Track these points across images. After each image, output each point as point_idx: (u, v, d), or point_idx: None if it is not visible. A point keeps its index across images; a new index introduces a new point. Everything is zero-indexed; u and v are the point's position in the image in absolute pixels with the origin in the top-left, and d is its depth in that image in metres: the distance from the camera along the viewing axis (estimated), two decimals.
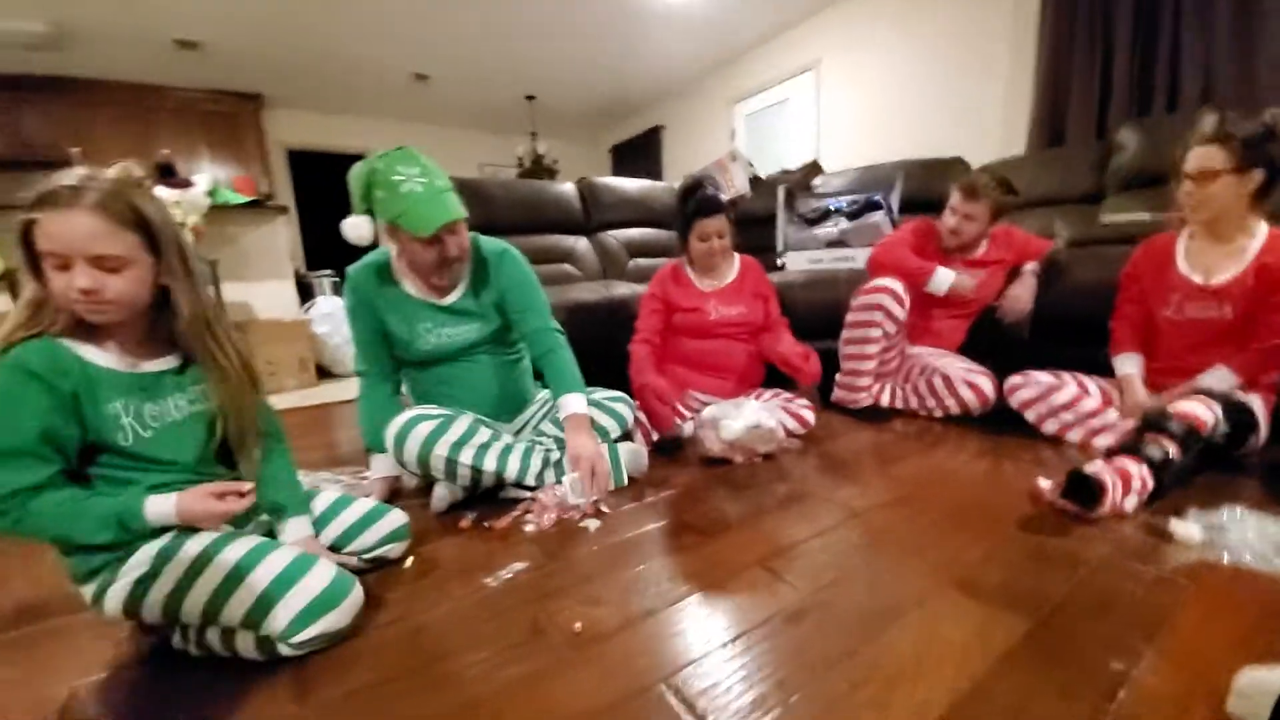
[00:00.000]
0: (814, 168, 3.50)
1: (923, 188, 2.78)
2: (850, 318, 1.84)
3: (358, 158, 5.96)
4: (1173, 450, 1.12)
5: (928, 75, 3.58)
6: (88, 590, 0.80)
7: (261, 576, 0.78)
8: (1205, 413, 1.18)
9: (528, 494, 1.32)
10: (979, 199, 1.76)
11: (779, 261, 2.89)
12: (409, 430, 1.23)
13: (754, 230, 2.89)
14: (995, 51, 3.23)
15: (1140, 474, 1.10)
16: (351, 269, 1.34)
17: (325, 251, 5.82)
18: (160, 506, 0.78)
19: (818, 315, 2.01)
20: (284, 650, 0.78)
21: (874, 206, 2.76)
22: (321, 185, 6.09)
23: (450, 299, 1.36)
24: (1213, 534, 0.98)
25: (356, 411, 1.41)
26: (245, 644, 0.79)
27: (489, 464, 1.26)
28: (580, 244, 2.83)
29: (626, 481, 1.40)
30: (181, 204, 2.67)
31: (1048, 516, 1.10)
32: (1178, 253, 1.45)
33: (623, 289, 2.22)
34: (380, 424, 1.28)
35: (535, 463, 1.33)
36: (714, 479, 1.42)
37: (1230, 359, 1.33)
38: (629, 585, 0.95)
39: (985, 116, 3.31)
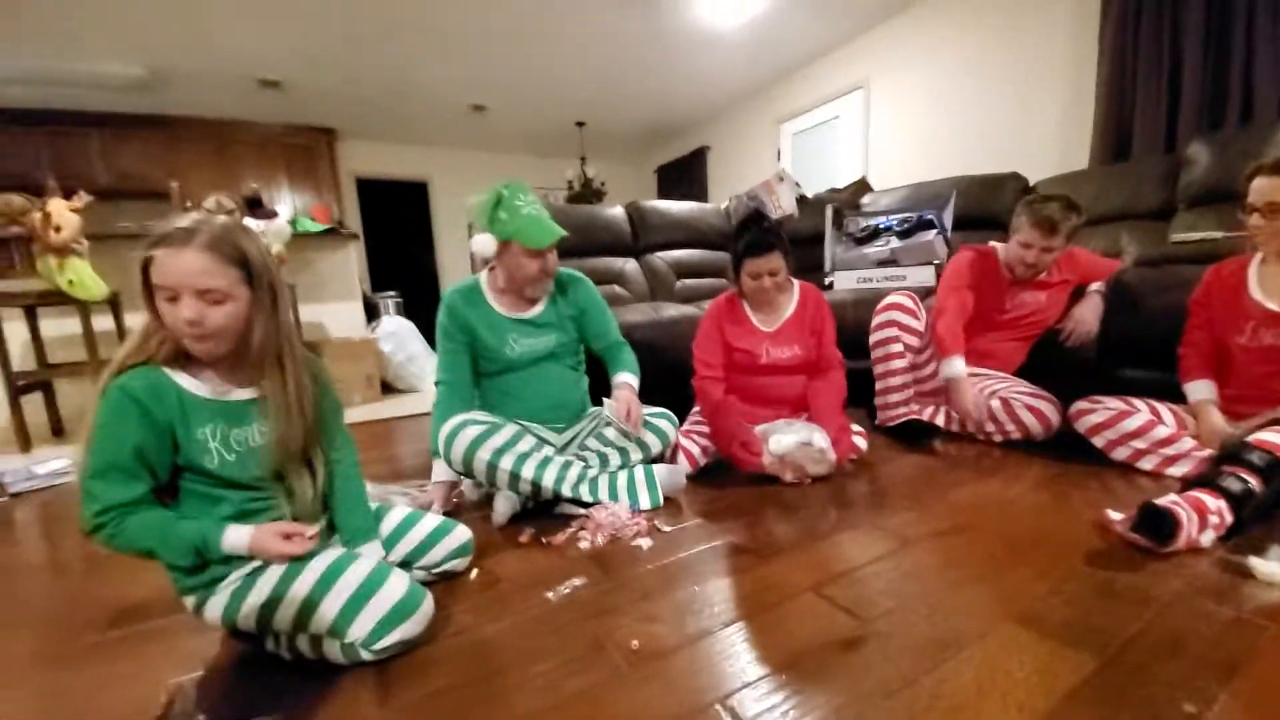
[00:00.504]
0: (863, 186, 3.48)
1: (977, 205, 2.73)
2: (871, 340, 1.92)
3: (420, 185, 6.39)
4: (1254, 483, 1.07)
5: (981, 89, 3.51)
6: (189, 601, 0.89)
7: (343, 589, 0.85)
8: None
9: (582, 511, 1.38)
10: (1058, 233, 1.70)
11: (826, 281, 2.88)
12: (458, 432, 1.34)
13: (801, 250, 2.88)
14: (1052, 62, 3.14)
15: (1218, 508, 1.05)
16: (448, 291, 1.54)
17: (389, 274, 6.19)
18: (236, 540, 0.85)
19: (867, 334, 2.00)
20: (365, 655, 0.85)
21: (926, 225, 2.72)
22: (385, 211, 6.49)
23: (532, 313, 1.55)
24: None
25: (430, 420, 1.51)
26: (331, 650, 0.86)
27: (527, 471, 1.35)
28: (629, 266, 2.91)
29: (662, 502, 1.43)
30: (268, 233, 2.91)
31: (1117, 550, 1.06)
32: (1250, 278, 1.38)
33: (671, 310, 2.27)
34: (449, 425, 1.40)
35: (571, 475, 1.40)
36: (765, 501, 1.44)
37: None
38: (684, 605, 0.98)
39: (1042, 130, 3.21)
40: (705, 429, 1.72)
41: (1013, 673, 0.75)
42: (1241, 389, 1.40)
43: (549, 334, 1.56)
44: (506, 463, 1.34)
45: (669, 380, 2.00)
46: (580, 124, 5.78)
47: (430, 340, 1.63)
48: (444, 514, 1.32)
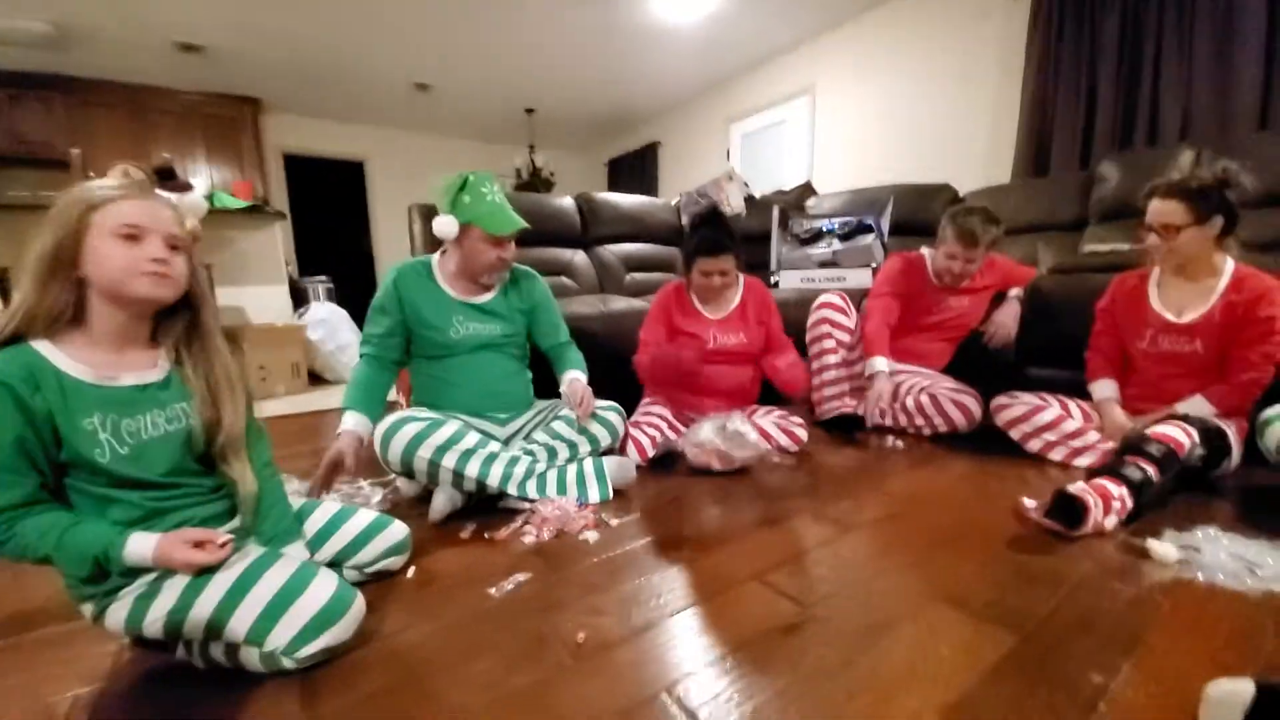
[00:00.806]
0: (808, 189, 3.59)
1: (912, 212, 2.87)
2: (807, 337, 2.02)
3: (355, 164, 6.05)
4: (1151, 471, 1.18)
5: (918, 103, 3.69)
6: (86, 609, 0.79)
7: (263, 593, 0.78)
8: (1182, 436, 1.24)
9: (526, 505, 1.34)
10: (979, 245, 1.81)
11: (772, 279, 2.95)
12: (395, 430, 1.28)
13: (748, 248, 2.95)
14: (983, 82, 3.34)
15: (1120, 494, 1.14)
16: (400, 265, 1.51)
17: (319, 257, 5.84)
18: (140, 549, 0.75)
19: (806, 332, 2.06)
20: (287, 664, 0.78)
21: (865, 229, 2.84)
22: (317, 191, 6.11)
23: (482, 299, 1.53)
24: (1188, 554, 1.03)
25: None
26: (249, 658, 0.79)
27: (471, 470, 1.30)
28: (578, 257, 2.87)
29: (611, 494, 1.42)
30: (181, 207, 2.67)
31: (1033, 535, 1.14)
32: (1150, 289, 1.52)
33: (620, 303, 2.26)
34: (365, 387, 1.41)
35: (518, 471, 1.36)
36: (711, 493, 1.45)
37: (1207, 390, 1.39)
38: (630, 597, 0.97)
39: (972, 145, 3.42)
40: (655, 420, 1.73)
41: (940, 651, 0.79)
42: (1141, 389, 1.54)
43: (496, 322, 1.53)
44: (449, 461, 1.28)
45: (617, 373, 1.99)
46: (530, 111, 5.65)
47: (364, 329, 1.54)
48: (382, 511, 1.25)
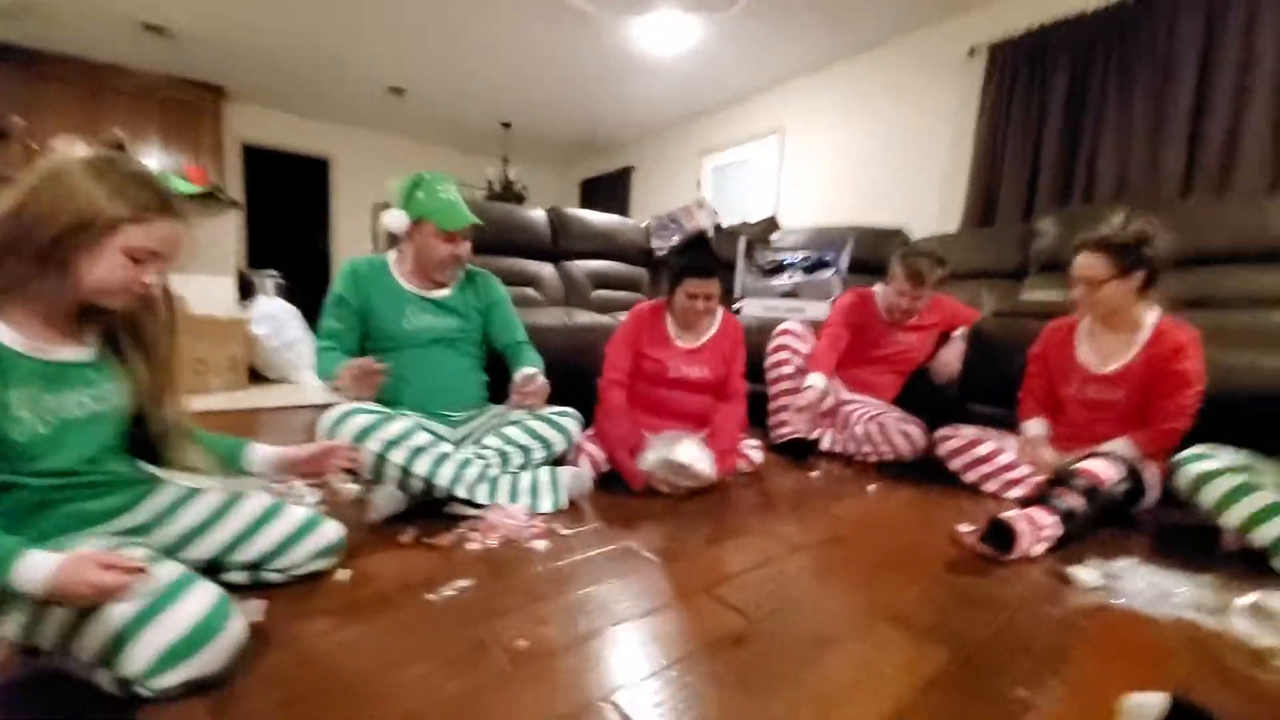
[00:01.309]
0: (772, 223, 3.71)
1: (869, 252, 3.01)
2: (766, 363, 2.06)
3: (320, 161, 5.90)
4: (1078, 503, 1.24)
5: (879, 151, 3.90)
6: None
7: (123, 607, 0.66)
8: (1107, 471, 1.32)
9: (472, 511, 1.30)
10: (925, 284, 1.90)
11: (735, 307, 3.01)
12: (343, 421, 1.22)
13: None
14: (939, 135, 3.56)
15: (1050, 523, 1.20)
16: (354, 259, 1.53)
17: (272, 252, 5.61)
18: (35, 574, 0.62)
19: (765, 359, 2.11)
20: (143, 693, 0.66)
21: (825, 265, 2.95)
22: (276, 185, 5.91)
23: (438, 294, 1.54)
24: (1109, 581, 1.09)
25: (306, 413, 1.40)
26: (102, 679, 0.67)
27: (420, 467, 1.25)
28: (546, 270, 2.87)
29: (566, 504, 1.40)
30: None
31: (970, 560, 1.18)
32: (1078, 339, 1.62)
33: (584, 318, 2.27)
34: (338, 359, 1.39)
35: (470, 474, 1.31)
36: (664, 508, 1.45)
37: (1132, 434, 1.47)
38: (576, 606, 0.95)
39: (926, 193, 3.63)
40: None
41: (881, 667, 0.81)
42: (1070, 430, 1.63)
43: (451, 317, 1.54)
44: (398, 456, 1.23)
45: (578, 388, 1.98)
46: (506, 125, 5.66)
47: (315, 328, 1.53)
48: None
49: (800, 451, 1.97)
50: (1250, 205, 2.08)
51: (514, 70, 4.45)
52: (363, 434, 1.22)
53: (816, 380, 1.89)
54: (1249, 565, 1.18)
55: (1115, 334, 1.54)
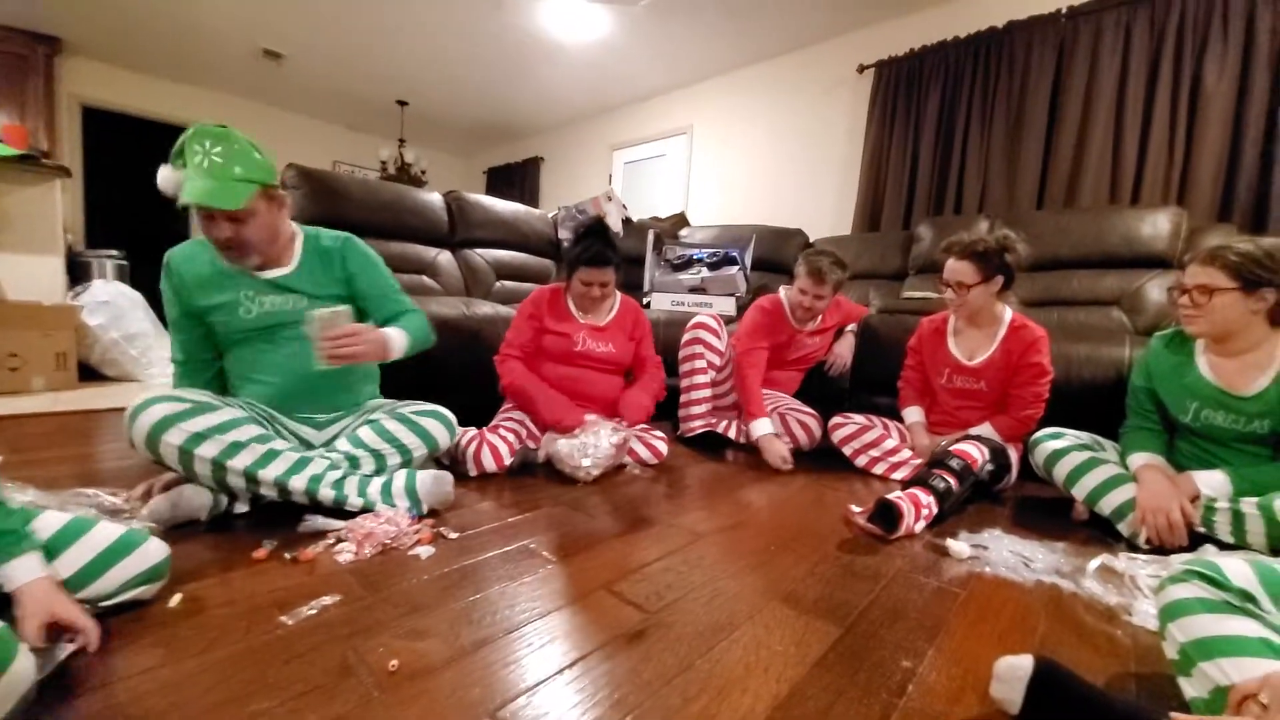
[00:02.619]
0: (682, 219, 3.76)
1: (771, 251, 3.13)
2: (679, 356, 2.05)
3: (177, 129, 5.15)
4: (952, 482, 1.34)
5: (782, 155, 4.07)
6: None
7: None
8: (976, 453, 1.44)
9: (340, 524, 1.13)
10: (826, 282, 1.94)
11: (645, 300, 3.00)
12: (139, 414, 1.05)
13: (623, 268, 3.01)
14: (834, 144, 3.78)
15: (928, 502, 1.29)
16: (173, 250, 1.26)
17: (116, 230, 4.86)
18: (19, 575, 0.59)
19: (676, 352, 2.11)
20: None
21: (731, 261, 3.03)
22: (123, 154, 5.13)
23: (275, 273, 1.28)
24: (978, 551, 1.17)
25: None
26: None
27: (238, 464, 1.08)
28: (443, 257, 2.69)
29: (425, 512, 1.23)
30: None
31: (859, 538, 1.23)
32: (948, 334, 1.77)
33: (485, 308, 2.14)
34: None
35: (306, 471, 1.15)
36: (566, 504, 1.38)
37: (994, 420, 1.65)
38: (461, 615, 0.86)
39: (823, 197, 3.84)
40: (514, 426, 1.65)
41: (774, 647, 0.80)
42: (941, 417, 1.80)
43: (300, 298, 1.28)
44: (208, 451, 1.06)
45: (475, 380, 1.86)
46: (403, 103, 5.29)
47: (163, 316, 1.29)
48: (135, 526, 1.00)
49: (713, 444, 1.99)
50: (1092, 218, 2.38)
51: (410, 43, 4.14)
52: (160, 426, 1.04)
53: (764, 426, 1.85)
54: (1097, 532, 1.33)
55: (979, 330, 1.70)
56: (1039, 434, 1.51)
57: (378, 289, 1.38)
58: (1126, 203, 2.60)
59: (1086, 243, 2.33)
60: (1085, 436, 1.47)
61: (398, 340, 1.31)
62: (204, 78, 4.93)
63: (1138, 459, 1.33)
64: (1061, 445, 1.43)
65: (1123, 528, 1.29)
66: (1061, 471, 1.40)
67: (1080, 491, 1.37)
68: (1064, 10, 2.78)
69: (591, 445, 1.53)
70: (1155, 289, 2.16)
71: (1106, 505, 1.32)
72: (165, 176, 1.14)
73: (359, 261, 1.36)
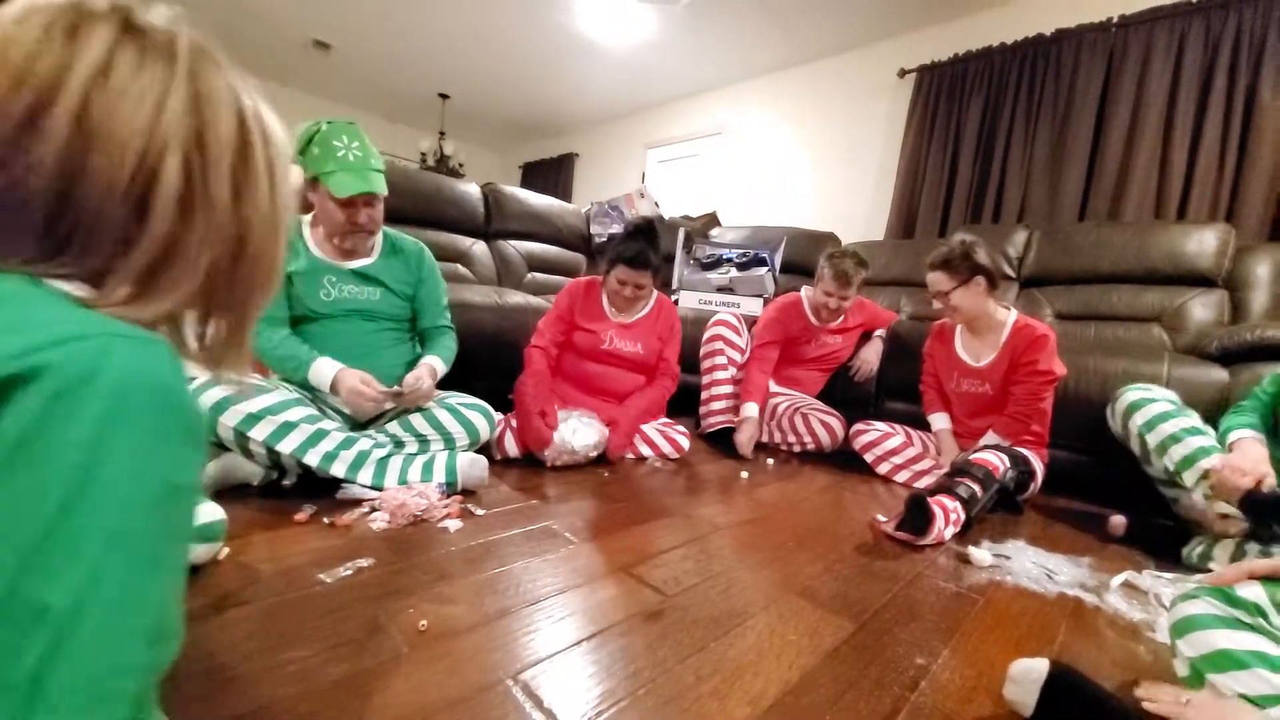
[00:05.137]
0: (713, 219, 3.76)
1: (801, 254, 3.11)
2: (701, 353, 2.07)
3: None
4: (977, 490, 1.33)
5: (816, 158, 4.05)
6: None
7: None
8: (997, 461, 1.42)
9: (374, 494, 1.19)
10: (850, 285, 1.97)
11: (673, 298, 3.02)
12: (201, 392, 1.11)
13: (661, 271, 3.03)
14: (870, 149, 3.74)
15: (955, 508, 1.28)
16: None
17: None
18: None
19: (698, 349, 2.13)
20: None
21: (760, 262, 3.02)
22: None
23: (356, 264, 1.40)
24: (1000, 560, 1.17)
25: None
26: None
27: (287, 445, 1.14)
28: (478, 247, 2.75)
29: (460, 489, 1.29)
30: None
31: (879, 541, 1.24)
32: (957, 338, 1.76)
33: (516, 298, 2.18)
34: (287, 342, 1.30)
35: (348, 455, 1.20)
36: (588, 491, 1.41)
37: (994, 424, 1.63)
38: (486, 585, 0.90)
39: (856, 202, 3.80)
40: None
41: (787, 636, 0.82)
42: (955, 424, 1.78)
43: (375, 288, 1.41)
44: (260, 433, 1.12)
45: (503, 367, 1.91)
46: (444, 96, 5.40)
47: None
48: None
49: (733, 440, 2.00)
50: (1135, 232, 2.31)
51: (456, 38, 4.24)
52: (218, 408, 1.10)
53: (751, 411, 1.91)
54: (1125, 549, 1.31)
55: (983, 335, 1.69)
56: (1127, 387, 1.47)
57: (434, 300, 1.54)
58: (1172, 218, 2.51)
59: (1128, 257, 2.27)
60: (1172, 394, 1.42)
61: (440, 370, 1.48)
62: (254, 67, 5.09)
63: (1241, 431, 1.23)
64: (1149, 395, 1.40)
65: (1188, 476, 1.24)
66: (1140, 419, 1.37)
67: (1155, 437, 1.32)
68: (1114, 19, 2.71)
69: (577, 450, 1.57)
70: (1198, 307, 2.09)
71: (1178, 452, 1.27)
72: (292, 172, 1.25)
73: (430, 272, 1.54)
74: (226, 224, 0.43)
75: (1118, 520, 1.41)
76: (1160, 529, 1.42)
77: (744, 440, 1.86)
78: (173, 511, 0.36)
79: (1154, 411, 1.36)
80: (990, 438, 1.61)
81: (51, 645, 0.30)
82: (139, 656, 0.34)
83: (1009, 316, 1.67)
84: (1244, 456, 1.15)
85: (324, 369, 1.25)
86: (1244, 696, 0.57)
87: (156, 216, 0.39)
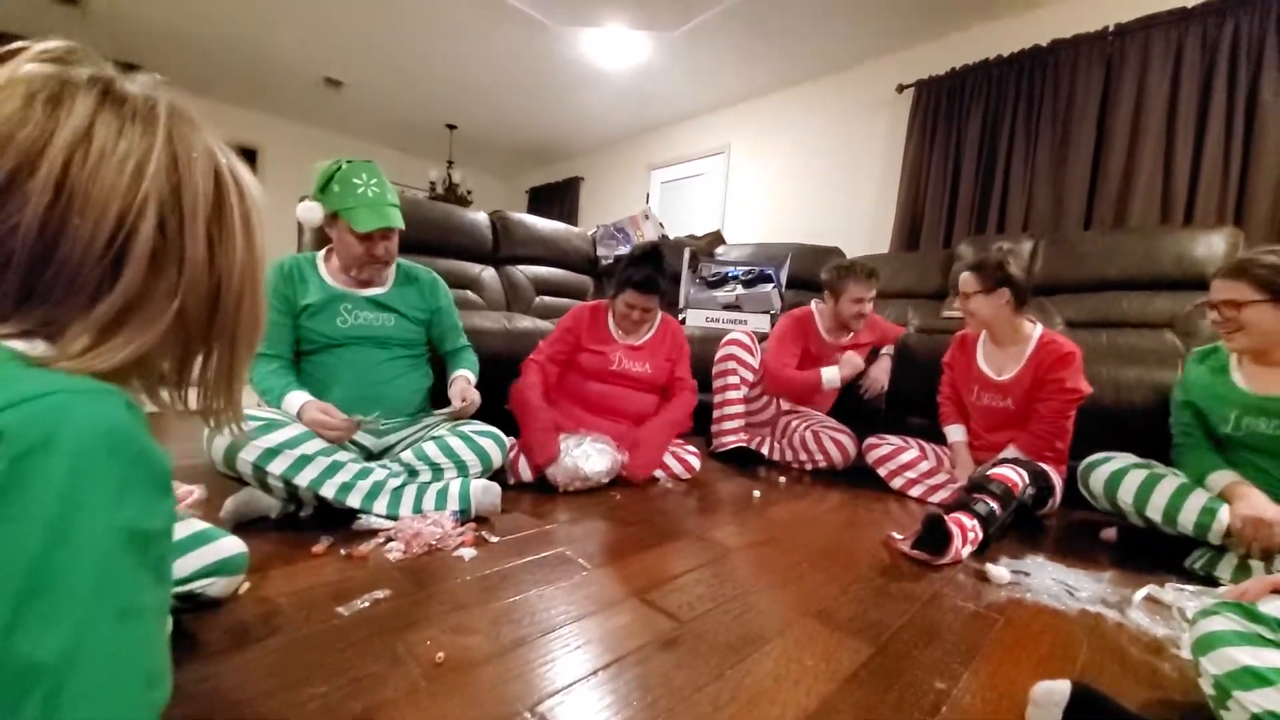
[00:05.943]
0: (718, 237, 3.79)
1: (807, 269, 3.13)
2: (713, 372, 2.07)
3: (248, 152, 5.53)
4: (995, 506, 1.31)
5: (819, 173, 4.08)
6: None
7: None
8: (1015, 476, 1.40)
9: (388, 523, 1.20)
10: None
11: (680, 317, 3.04)
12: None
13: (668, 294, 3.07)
14: (872, 164, 3.77)
15: (973, 526, 1.26)
16: (280, 259, 1.41)
17: None
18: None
19: (708, 368, 2.14)
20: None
21: (766, 279, 3.04)
22: None
23: (371, 292, 1.46)
24: (1019, 577, 1.15)
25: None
26: None
27: (304, 478, 1.16)
28: (487, 273, 2.79)
29: (474, 516, 1.30)
30: None
31: (894, 560, 1.22)
32: (978, 350, 1.75)
33: (525, 322, 2.22)
34: (273, 375, 1.33)
35: (364, 485, 1.22)
36: (601, 515, 1.42)
37: (1016, 439, 1.61)
38: (502, 615, 0.90)
39: (859, 216, 3.82)
40: None
41: (804, 661, 0.81)
42: (972, 437, 1.76)
43: (389, 315, 1.46)
44: (278, 467, 1.14)
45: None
46: (452, 127, 5.54)
47: None
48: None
49: (744, 461, 1.99)
50: (1142, 238, 2.31)
51: (460, 71, 4.36)
52: (235, 445, 1.13)
53: (831, 371, 1.95)
54: (1146, 563, 1.28)
55: (1006, 349, 1.67)
56: (1090, 459, 1.46)
57: (453, 325, 1.61)
58: (1179, 223, 2.50)
59: (1136, 263, 2.26)
60: (1133, 457, 1.42)
61: (473, 379, 1.56)
62: (270, 103, 5.28)
63: (1220, 477, 1.23)
64: (1119, 465, 1.37)
65: (1211, 537, 1.20)
66: (1127, 492, 1.32)
67: (1155, 511, 1.27)
68: (1110, 28, 2.73)
69: (590, 476, 1.57)
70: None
71: (1186, 520, 1.22)
72: (311, 208, 1.34)
73: (445, 300, 1.60)
74: (201, 276, 0.44)
75: (1109, 532, 1.43)
76: (1162, 536, 1.38)
77: (851, 366, 1.94)
78: (148, 558, 0.36)
79: (1133, 484, 1.32)
80: (1010, 451, 1.59)
81: (48, 704, 0.30)
82: (133, 704, 0.34)
83: (1034, 331, 1.64)
84: (1253, 507, 1.15)
85: (293, 400, 1.27)
86: (1272, 714, 0.56)
87: (130, 271, 0.40)
